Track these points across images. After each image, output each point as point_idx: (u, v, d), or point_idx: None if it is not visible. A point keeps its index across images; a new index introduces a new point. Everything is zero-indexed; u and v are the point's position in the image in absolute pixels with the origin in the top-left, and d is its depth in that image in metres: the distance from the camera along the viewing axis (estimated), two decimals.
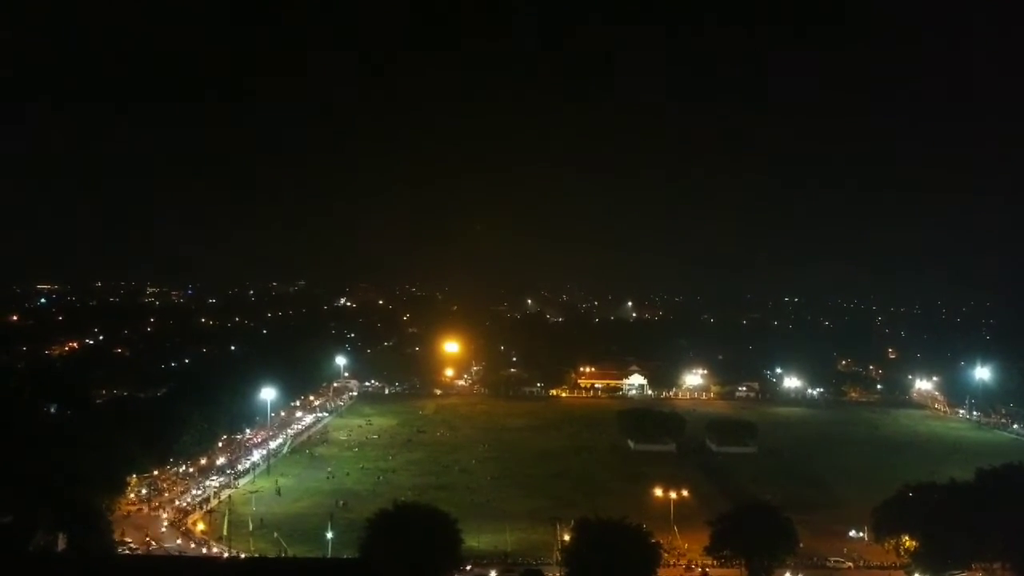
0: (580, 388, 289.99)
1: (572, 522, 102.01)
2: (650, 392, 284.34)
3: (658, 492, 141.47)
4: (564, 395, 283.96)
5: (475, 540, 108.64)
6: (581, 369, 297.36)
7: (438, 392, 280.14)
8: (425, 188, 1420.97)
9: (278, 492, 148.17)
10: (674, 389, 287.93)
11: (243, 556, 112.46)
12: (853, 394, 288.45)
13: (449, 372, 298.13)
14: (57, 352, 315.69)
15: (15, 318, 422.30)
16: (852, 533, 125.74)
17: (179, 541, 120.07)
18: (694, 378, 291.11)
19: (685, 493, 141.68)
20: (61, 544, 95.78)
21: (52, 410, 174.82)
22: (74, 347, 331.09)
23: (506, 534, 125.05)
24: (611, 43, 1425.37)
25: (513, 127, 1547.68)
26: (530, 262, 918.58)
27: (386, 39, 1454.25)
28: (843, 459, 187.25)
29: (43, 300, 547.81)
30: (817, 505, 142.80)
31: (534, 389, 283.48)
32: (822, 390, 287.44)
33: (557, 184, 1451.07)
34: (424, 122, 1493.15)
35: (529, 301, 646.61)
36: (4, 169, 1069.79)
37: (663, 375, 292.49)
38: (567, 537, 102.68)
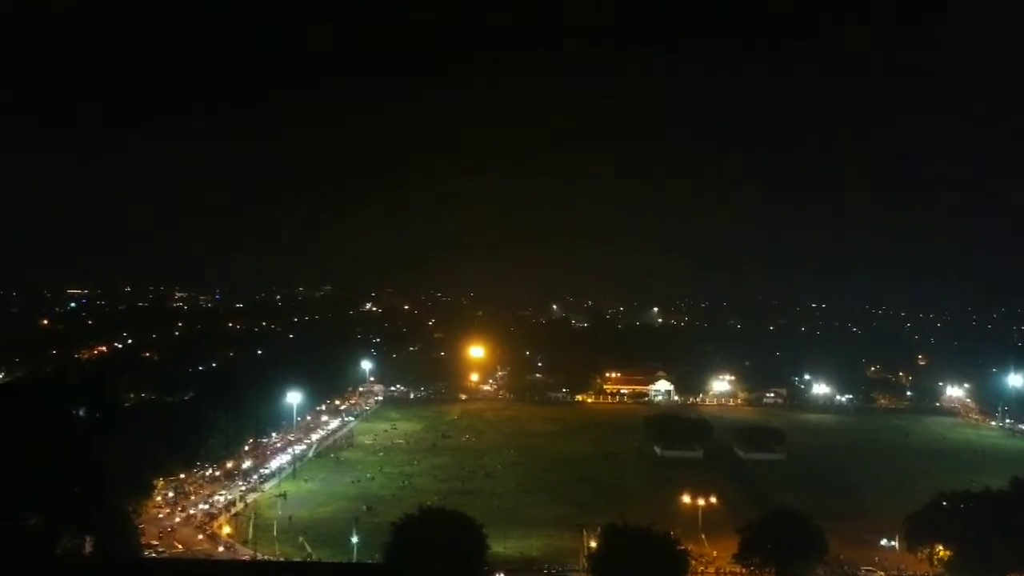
0: (605, 393, 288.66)
1: (599, 528, 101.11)
2: (676, 398, 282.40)
3: (686, 499, 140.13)
4: (589, 400, 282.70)
5: (501, 546, 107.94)
6: (606, 374, 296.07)
7: (463, 397, 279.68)
8: (450, 194, 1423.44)
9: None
10: (701, 395, 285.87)
11: (269, 559, 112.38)
12: (883, 401, 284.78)
13: (474, 377, 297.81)
14: (86, 356, 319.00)
15: (46, 322, 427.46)
16: (884, 542, 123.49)
17: (205, 544, 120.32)
18: (721, 384, 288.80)
19: (713, 500, 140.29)
20: (88, 547, 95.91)
21: (81, 413, 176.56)
22: (103, 351, 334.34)
23: (532, 540, 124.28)
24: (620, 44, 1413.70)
25: (537, 133, 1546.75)
26: (555, 267, 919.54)
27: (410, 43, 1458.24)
28: (873, 467, 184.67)
29: (73, 304, 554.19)
30: (847, 513, 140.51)
31: (559, 394, 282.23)
32: (851, 396, 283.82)
33: (582, 189, 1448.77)
34: (447, 128, 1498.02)
35: (554, 306, 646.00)
36: (39, 173, 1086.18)
37: (690, 381, 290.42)
38: (594, 544, 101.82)
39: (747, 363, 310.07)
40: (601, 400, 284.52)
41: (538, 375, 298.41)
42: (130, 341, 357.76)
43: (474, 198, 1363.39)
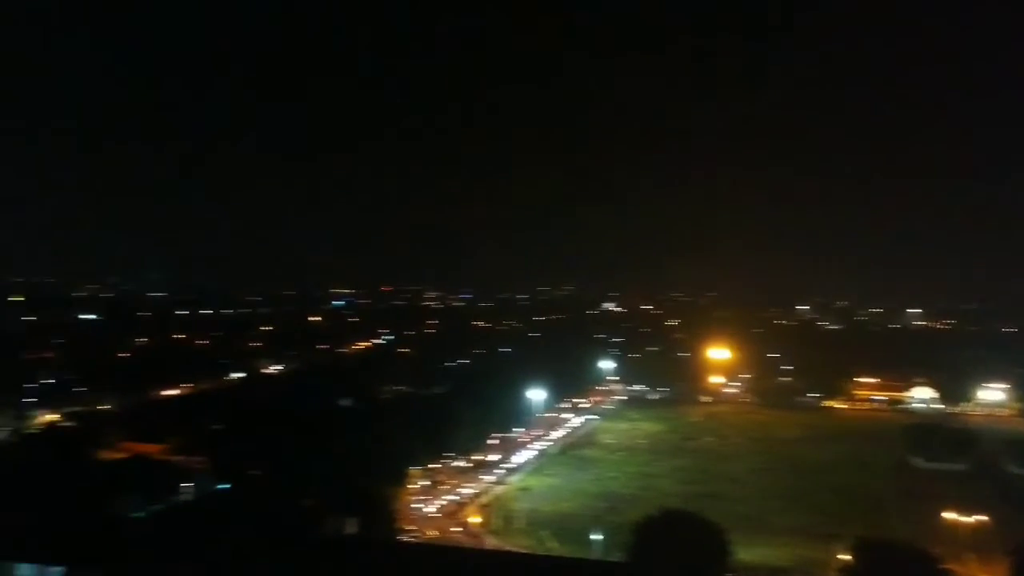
0: (857, 399, 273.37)
1: (851, 541, 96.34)
2: (939, 406, 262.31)
3: (949, 515, 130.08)
4: (840, 406, 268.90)
5: (745, 553, 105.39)
6: (858, 379, 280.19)
7: (705, 399, 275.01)
8: (693, 192, 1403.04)
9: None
10: (967, 404, 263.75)
11: (517, 551, 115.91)
12: None
13: (717, 379, 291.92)
14: (350, 351, 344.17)
15: (317, 319, 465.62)
16: None
17: (456, 532, 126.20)
18: (991, 393, 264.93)
19: (980, 518, 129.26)
20: (350, 528, 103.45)
21: (346, 404, 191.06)
22: (365, 346, 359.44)
23: (777, 549, 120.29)
24: None
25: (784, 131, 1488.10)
26: (805, 267, 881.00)
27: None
28: None
29: (339, 303, 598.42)
30: None
31: (807, 399, 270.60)
32: None
33: (833, 184, 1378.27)
34: (690, 121, 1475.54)
35: (802, 307, 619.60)
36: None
37: (954, 388, 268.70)
38: (843, 556, 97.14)
39: (1022, 370, 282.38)
40: (853, 406, 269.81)
41: (784, 378, 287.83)
42: (389, 338, 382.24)
43: (719, 198, 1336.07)
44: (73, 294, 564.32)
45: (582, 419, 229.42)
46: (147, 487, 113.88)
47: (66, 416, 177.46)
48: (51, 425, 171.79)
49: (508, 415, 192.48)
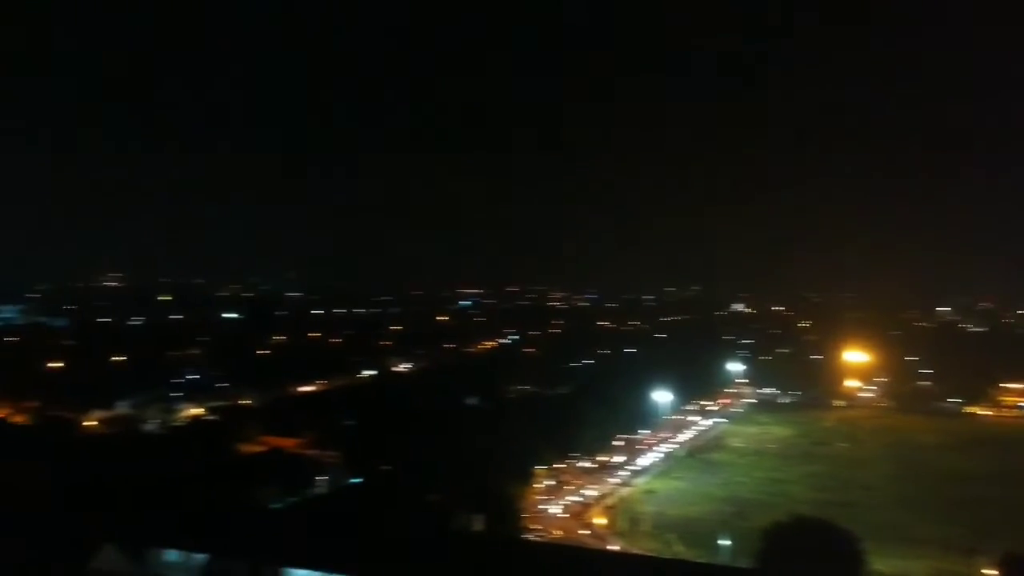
0: (1003, 406, 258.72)
1: (997, 556, 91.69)
2: None
3: None
4: (983, 413, 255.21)
5: (881, 563, 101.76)
6: (1004, 385, 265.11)
7: (839, 403, 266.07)
8: (827, 190, 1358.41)
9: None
10: None
11: (643, 554, 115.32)
12: None
13: (852, 383, 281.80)
14: (477, 351, 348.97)
15: (445, 319, 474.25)
16: None
17: (581, 533, 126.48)
18: None
19: None
20: (477, 525, 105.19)
21: (472, 403, 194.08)
22: (491, 346, 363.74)
23: (914, 561, 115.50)
24: None
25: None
26: (946, 266, 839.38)
27: None
28: None
29: (465, 303, 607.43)
30: None
31: (947, 405, 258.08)
32: None
33: (976, 181, 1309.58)
34: (824, 118, 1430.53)
35: (943, 309, 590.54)
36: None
37: None
38: (988, 572, 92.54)
39: None
40: (998, 413, 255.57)
41: (923, 383, 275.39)
42: (514, 338, 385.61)
43: (856, 196, 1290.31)
44: (217, 294, 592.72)
45: (709, 422, 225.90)
46: (284, 479, 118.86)
47: (209, 410, 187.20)
48: (196, 418, 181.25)
49: (633, 416, 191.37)
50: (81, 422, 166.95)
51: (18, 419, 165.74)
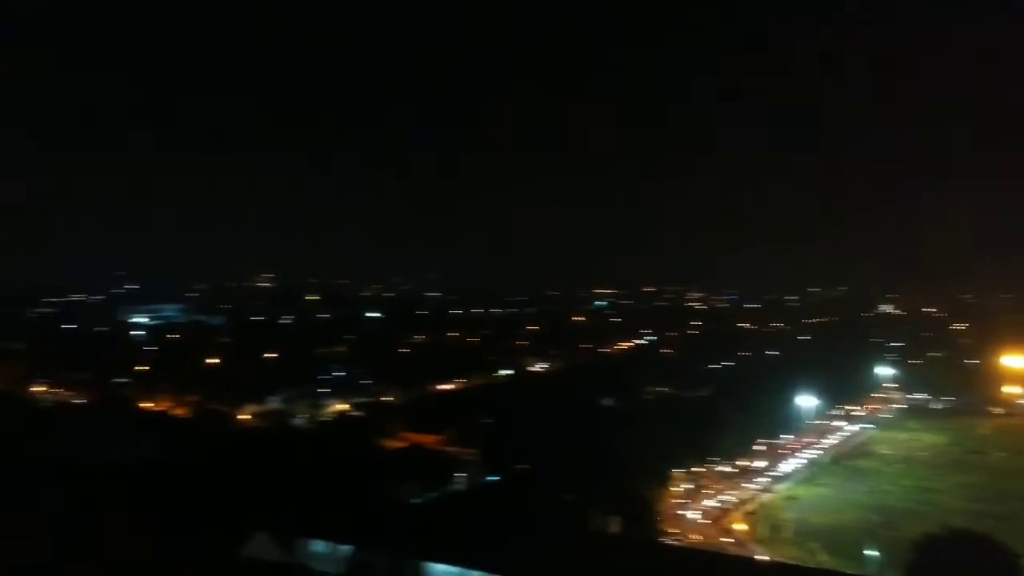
0: None
1: None
2: None
3: None
4: None
5: None
6: None
7: (996, 411, 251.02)
8: (981, 188, 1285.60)
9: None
10: None
11: (786, 562, 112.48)
12: None
13: (1010, 389, 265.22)
14: (613, 351, 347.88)
15: (581, 319, 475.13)
16: None
17: (720, 538, 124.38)
18: None
19: None
20: (613, 527, 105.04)
21: (608, 403, 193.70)
22: (627, 347, 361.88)
23: None
24: None
25: None
26: None
27: None
28: None
29: (601, 303, 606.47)
30: None
31: None
32: None
33: None
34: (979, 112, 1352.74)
35: None
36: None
37: None
38: None
39: None
40: None
41: None
42: (651, 338, 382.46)
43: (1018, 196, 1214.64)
44: (361, 294, 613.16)
45: (856, 427, 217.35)
46: (424, 475, 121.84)
47: (354, 406, 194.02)
48: (341, 414, 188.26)
49: (775, 421, 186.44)
50: (236, 416, 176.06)
51: (179, 412, 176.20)
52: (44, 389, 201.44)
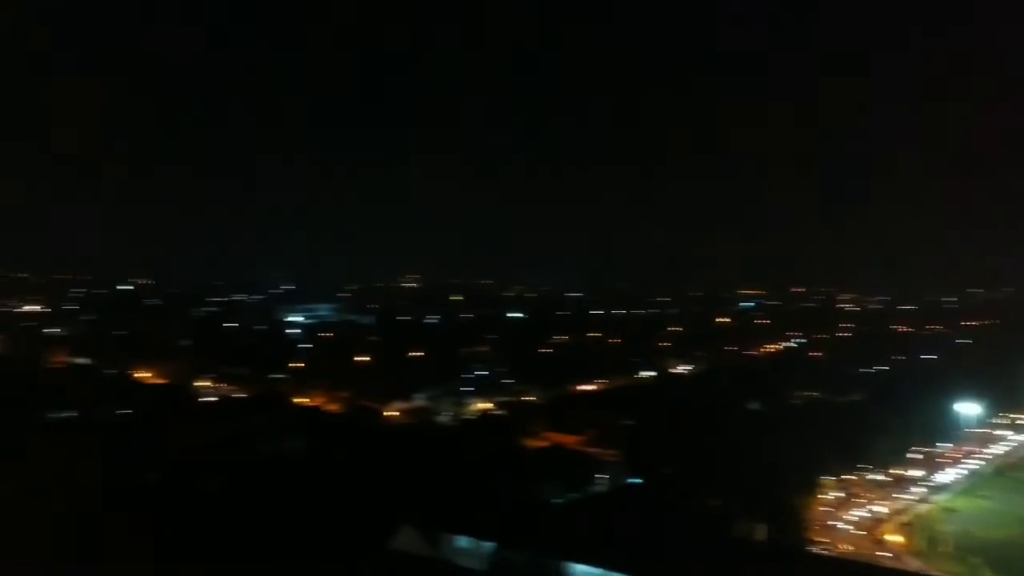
0: None
1: None
2: None
3: None
4: None
5: None
6: None
7: None
8: None
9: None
10: None
11: None
12: None
13: None
14: (759, 353, 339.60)
15: (726, 320, 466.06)
16: None
17: (872, 550, 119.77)
18: None
19: None
20: (759, 534, 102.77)
21: (755, 407, 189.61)
22: (774, 349, 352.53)
23: None
24: None
25: None
26: None
27: None
28: None
29: (747, 305, 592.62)
30: None
31: None
32: None
33: None
34: None
35: None
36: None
37: None
38: None
39: None
40: None
41: None
42: (799, 341, 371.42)
43: None
44: (503, 294, 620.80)
45: (1022, 437, 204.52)
46: (566, 476, 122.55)
47: (497, 405, 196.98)
48: (484, 412, 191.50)
49: (932, 428, 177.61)
50: (384, 412, 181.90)
51: (331, 408, 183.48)
52: (207, 384, 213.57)
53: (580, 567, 77.51)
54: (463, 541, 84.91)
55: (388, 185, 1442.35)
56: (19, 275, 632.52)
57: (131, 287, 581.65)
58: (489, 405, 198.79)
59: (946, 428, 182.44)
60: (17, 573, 67.66)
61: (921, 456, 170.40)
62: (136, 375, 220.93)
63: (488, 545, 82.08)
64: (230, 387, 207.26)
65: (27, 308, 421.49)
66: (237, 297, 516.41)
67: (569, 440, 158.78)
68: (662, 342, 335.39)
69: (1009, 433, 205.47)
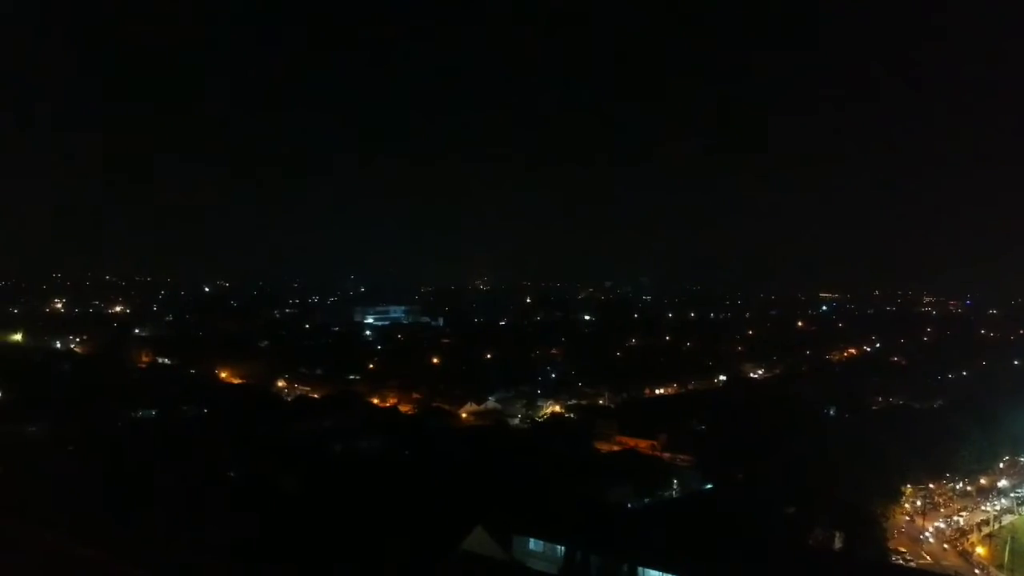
0: None
1: None
2: None
3: None
4: None
5: None
6: None
7: None
8: None
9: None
10: None
11: None
12: None
13: None
14: (837, 358, 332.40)
15: (803, 324, 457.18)
16: None
17: (955, 562, 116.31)
18: None
19: None
20: (837, 543, 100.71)
21: (831, 412, 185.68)
22: (852, 353, 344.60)
23: None
24: None
25: None
26: None
27: None
28: None
29: (825, 307, 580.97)
30: None
31: None
32: None
33: None
34: None
35: None
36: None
37: None
38: None
39: None
40: None
41: None
42: (878, 345, 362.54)
43: None
44: (575, 297, 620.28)
45: None
46: (638, 480, 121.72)
47: (568, 407, 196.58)
48: (555, 415, 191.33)
49: (1020, 437, 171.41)
50: (457, 413, 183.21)
51: (405, 408, 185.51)
52: (284, 384, 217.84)
53: (652, 572, 77.07)
54: (535, 543, 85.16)
55: (461, 187, 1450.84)
56: (107, 278, 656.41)
57: (211, 289, 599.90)
58: (559, 407, 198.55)
59: None
60: (100, 567, 70.02)
61: (1010, 466, 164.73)
62: (218, 375, 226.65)
63: (560, 548, 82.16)
64: (306, 387, 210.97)
65: (116, 309, 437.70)
66: (314, 299, 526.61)
67: (641, 444, 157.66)
68: (736, 346, 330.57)
69: None
